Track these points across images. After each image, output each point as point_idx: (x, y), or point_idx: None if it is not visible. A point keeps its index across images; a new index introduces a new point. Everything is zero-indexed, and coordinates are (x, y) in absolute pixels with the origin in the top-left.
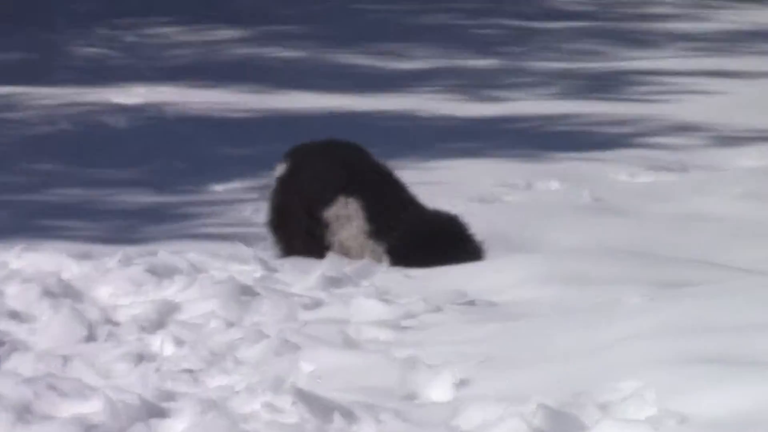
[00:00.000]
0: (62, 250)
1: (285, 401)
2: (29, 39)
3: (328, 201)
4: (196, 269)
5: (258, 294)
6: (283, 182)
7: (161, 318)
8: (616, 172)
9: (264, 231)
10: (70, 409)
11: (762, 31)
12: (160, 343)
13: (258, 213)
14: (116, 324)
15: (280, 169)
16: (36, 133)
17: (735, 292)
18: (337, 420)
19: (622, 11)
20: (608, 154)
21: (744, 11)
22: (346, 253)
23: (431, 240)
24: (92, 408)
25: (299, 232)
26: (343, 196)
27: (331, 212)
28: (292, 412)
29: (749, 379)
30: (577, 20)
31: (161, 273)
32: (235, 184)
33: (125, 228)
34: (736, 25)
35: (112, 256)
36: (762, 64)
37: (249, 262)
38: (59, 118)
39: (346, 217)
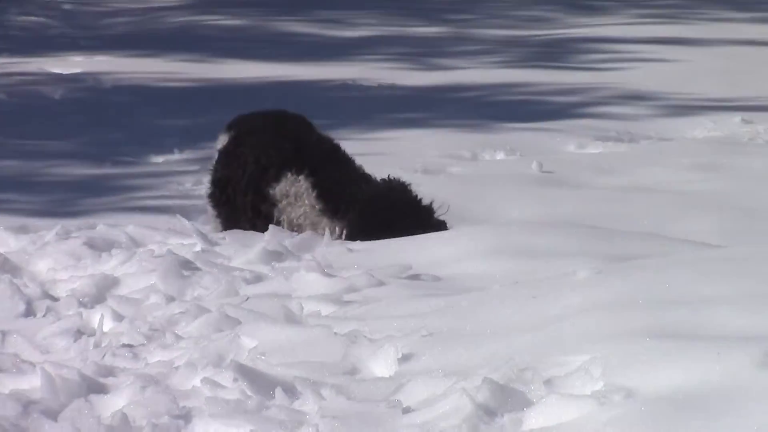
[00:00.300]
0: None
1: (226, 377)
2: None
3: (275, 177)
4: (135, 243)
5: (198, 268)
6: (226, 154)
7: (100, 292)
8: (564, 143)
9: (205, 204)
10: (9, 384)
11: None
12: (100, 318)
13: (198, 185)
14: (55, 299)
15: (223, 140)
16: None
17: (683, 266)
18: (279, 396)
19: None
20: (556, 125)
21: None
22: (297, 231)
23: (392, 214)
24: (31, 384)
25: (243, 207)
26: (291, 173)
27: (279, 189)
28: (233, 389)
29: (696, 354)
30: None
31: (100, 247)
32: (175, 156)
33: (63, 201)
34: None
35: (50, 229)
36: (715, 31)
37: (189, 235)
38: None
39: (296, 195)
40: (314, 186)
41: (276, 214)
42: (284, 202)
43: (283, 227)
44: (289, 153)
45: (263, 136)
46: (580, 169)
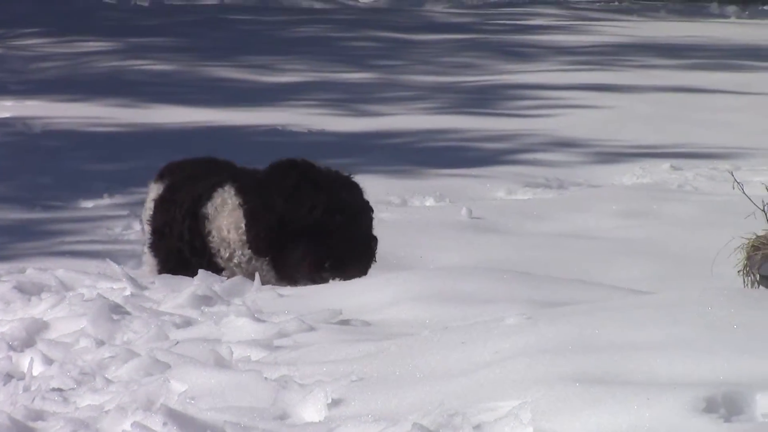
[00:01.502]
0: None
1: (156, 421)
2: None
3: (207, 198)
4: (65, 287)
5: (128, 312)
6: (162, 201)
7: (30, 336)
8: (493, 189)
9: (135, 249)
10: None
11: (642, 43)
12: (29, 362)
13: (128, 230)
14: None
15: (156, 189)
16: None
17: (612, 311)
18: None
19: (501, 23)
20: (485, 171)
21: (624, 24)
22: (225, 244)
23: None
24: None
25: (180, 238)
26: (220, 188)
27: (210, 206)
28: None
29: (626, 399)
30: (454, 32)
31: (29, 290)
32: (104, 200)
33: None
34: (616, 38)
35: None
36: (643, 78)
37: (119, 279)
38: None
39: (223, 203)
40: (240, 191)
41: (207, 226)
42: (213, 215)
43: (212, 241)
44: (222, 176)
45: (197, 175)
46: (509, 216)
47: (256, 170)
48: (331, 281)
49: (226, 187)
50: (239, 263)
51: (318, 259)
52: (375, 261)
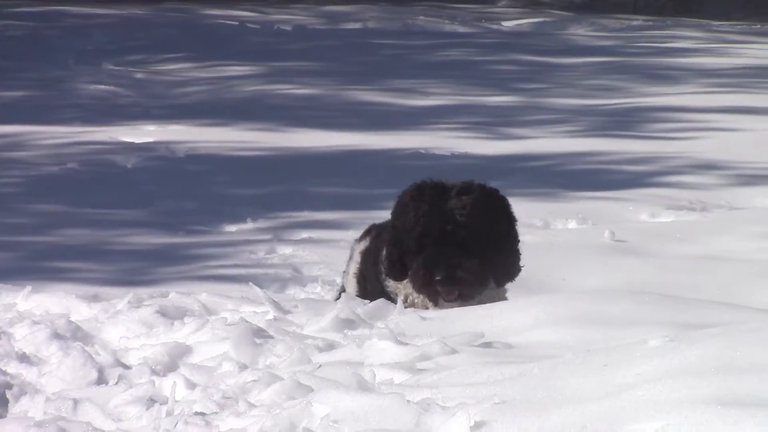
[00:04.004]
0: (71, 292)
1: None
2: (37, 76)
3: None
4: (207, 311)
5: (271, 336)
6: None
7: (172, 360)
8: (636, 212)
9: (278, 272)
10: None
11: None
12: (172, 386)
13: (271, 254)
14: (127, 367)
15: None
16: (43, 173)
17: (754, 333)
18: None
19: (642, 46)
20: (628, 193)
21: (765, 46)
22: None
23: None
24: None
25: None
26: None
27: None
28: None
29: (766, 422)
30: (596, 56)
31: (172, 315)
32: (248, 225)
33: (135, 269)
34: (757, 60)
35: (122, 298)
36: None
37: (261, 303)
38: (67, 157)
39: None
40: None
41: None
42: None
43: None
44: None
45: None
46: (652, 238)
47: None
48: (472, 305)
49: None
50: (413, 303)
51: (427, 271)
52: (512, 278)
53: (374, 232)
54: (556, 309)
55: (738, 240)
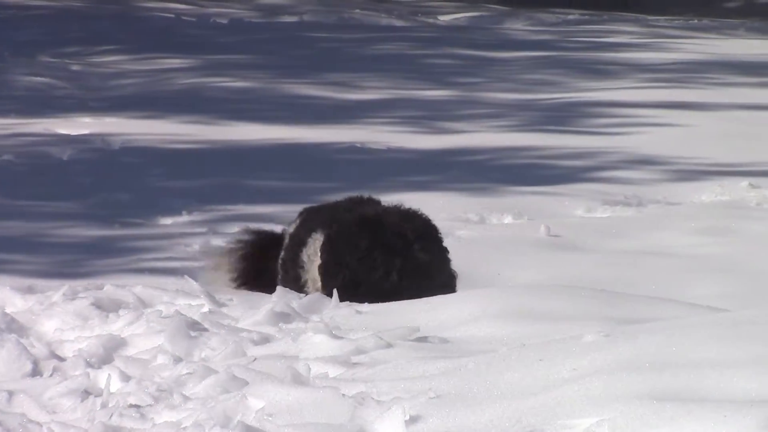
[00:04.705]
0: (5, 284)
1: None
2: None
3: (303, 244)
4: (143, 303)
5: (206, 329)
6: (291, 238)
7: (107, 353)
8: (572, 207)
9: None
10: None
11: (721, 61)
12: (107, 379)
13: (206, 247)
14: (62, 359)
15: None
16: None
17: (690, 329)
18: None
19: (579, 40)
20: (564, 188)
21: (702, 41)
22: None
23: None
24: None
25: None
26: (314, 233)
27: (304, 254)
28: None
29: (702, 417)
30: (533, 50)
31: (107, 307)
32: (183, 217)
33: (70, 261)
34: (695, 55)
35: (57, 290)
36: (721, 95)
37: (197, 296)
38: (2, 149)
39: (315, 252)
40: (327, 239)
41: (303, 276)
42: (308, 263)
43: (309, 291)
44: (317, 223)
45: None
46: (588, 233)
47: (376, 202)
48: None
49: (317, 235)
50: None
51: None
52: None
53: (304, 215)
54: (492, 304)
55: (673, 235)
